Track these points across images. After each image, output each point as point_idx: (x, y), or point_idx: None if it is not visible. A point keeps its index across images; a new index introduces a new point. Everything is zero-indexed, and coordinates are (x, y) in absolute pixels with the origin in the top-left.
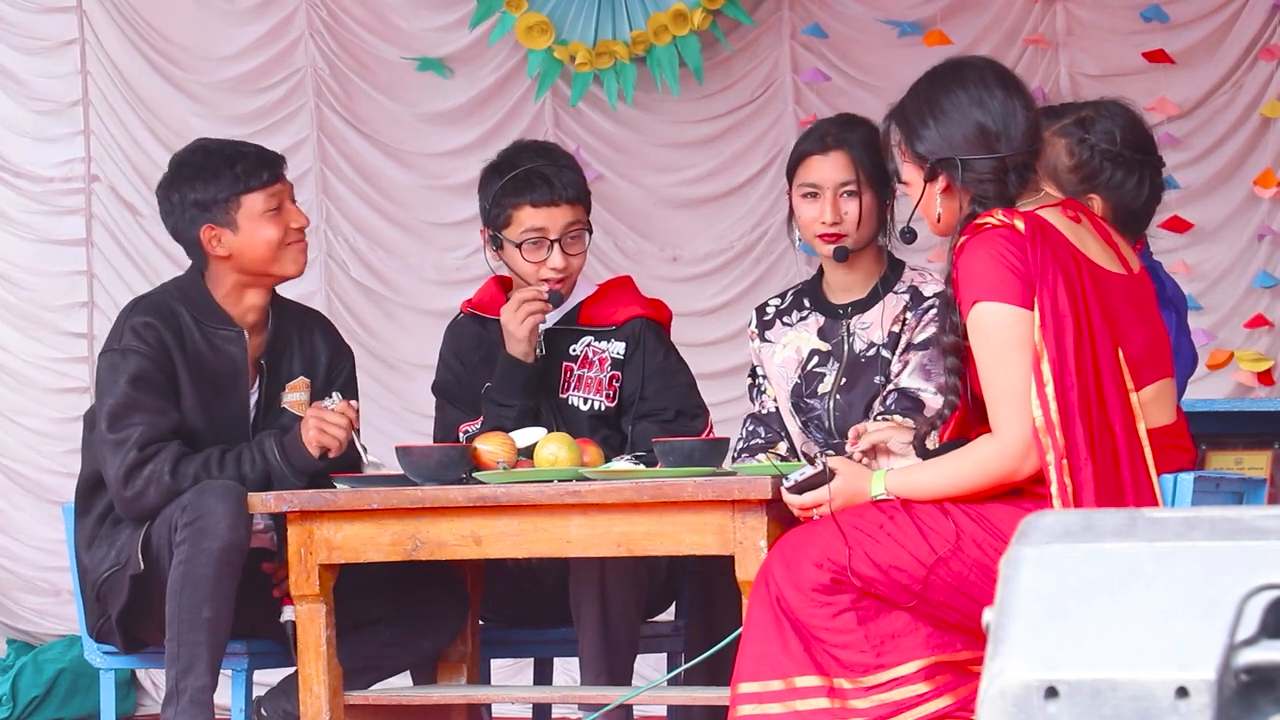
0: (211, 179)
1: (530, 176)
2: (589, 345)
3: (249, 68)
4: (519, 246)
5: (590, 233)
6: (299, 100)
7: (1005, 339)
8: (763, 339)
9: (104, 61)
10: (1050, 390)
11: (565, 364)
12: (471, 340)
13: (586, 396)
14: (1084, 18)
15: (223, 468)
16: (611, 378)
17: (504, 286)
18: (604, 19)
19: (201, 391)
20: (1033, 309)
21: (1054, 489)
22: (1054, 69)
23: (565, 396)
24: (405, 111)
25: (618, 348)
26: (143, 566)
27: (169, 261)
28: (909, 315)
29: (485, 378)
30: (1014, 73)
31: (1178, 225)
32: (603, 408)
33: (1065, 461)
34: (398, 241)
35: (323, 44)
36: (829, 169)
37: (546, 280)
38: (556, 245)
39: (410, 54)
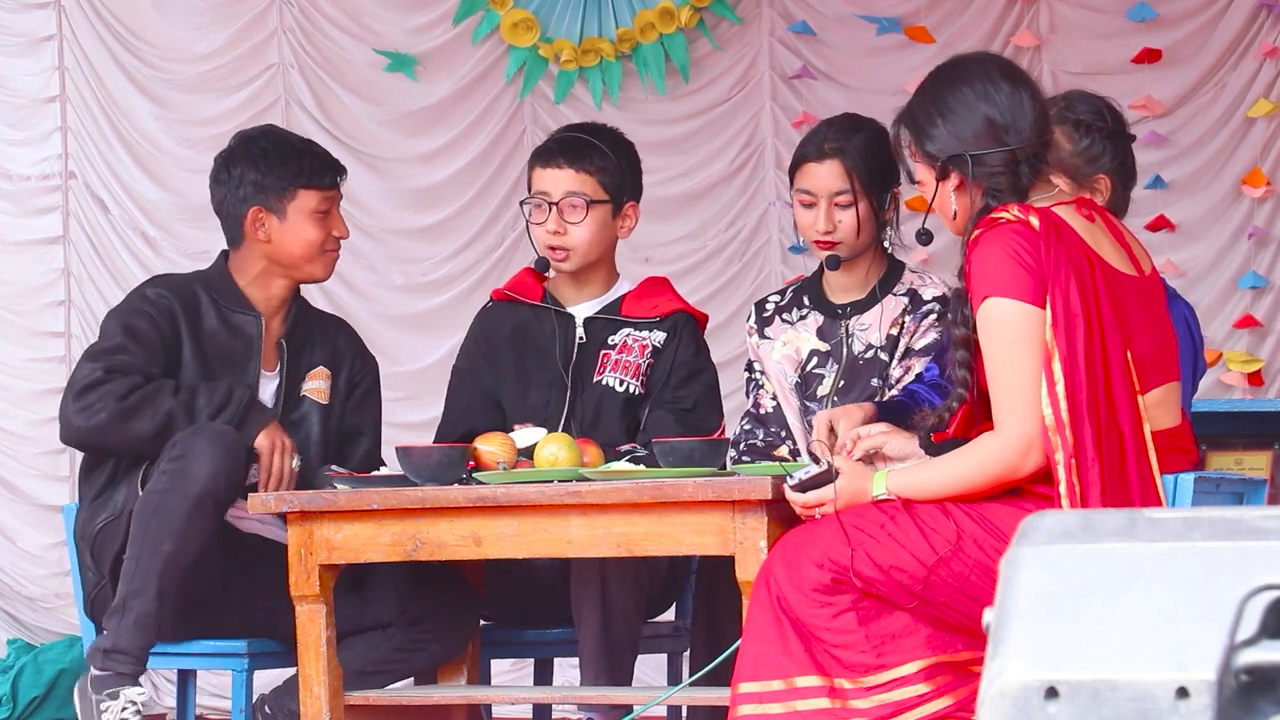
0: (277, 164)
1: (552, 140)
2: (629, 335)
3: (220, 64)
4: (526, 207)
5: (592, 205)
6: (270, 97)
7: (1013, 335)
8: (761, 335)
9: (79, 57)
10: (1061, 389)
11: (603, 352)
12: (496, 322)
13: (622, 379)
14: (1068, 16)
15: (177, 396)
16: (649, 365)
17: (538, 277)
18: (590, 16)
19: (206, 365)
20: (1044, 306)
21: (1062, 488)
22: (1037, 67)
23: (599, 379)
24: (377, 111)
25: (659, 336)
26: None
27: (136, 262)
28: (907, 319)
29: (510, 356)
30: (1018, 65)
31: (1162, 224)
32: (635, 391)
33: (1074, 461)
34: (364, 246)
35: (294, 42)
36: (823, 177)
37: (550, 248)
38: (554, 209)
39: (383, 54)
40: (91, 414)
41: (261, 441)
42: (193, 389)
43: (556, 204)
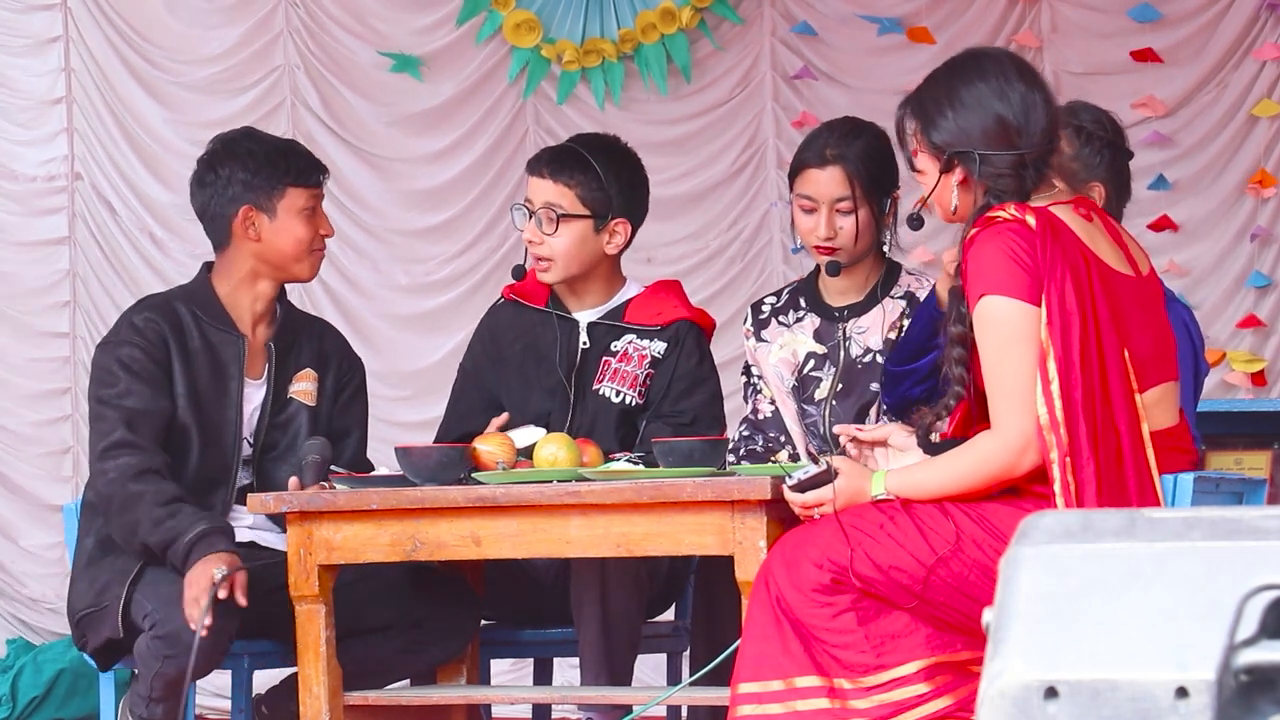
0: (265, 163)
1: (547, 148)
2: (630, 342)
3: (227, 66)
4: (515, 212)
5: (565, 219)
6: (276, 98)
7: (1009, 333)
8: (758, 338)
9: (86, 59)
10: (1055, 388)
11: (604, 358)
12: (504, 323)
13: (619, 389)
14: (1070, 16)
15: (156, 524)
16: (648, 375)
17: (541, 281)
18: (592, 17)
19: (194, 385)
20: (1040, 305)
21: (1057, 486)
22: (1039, 68)
23: (597, 387)
24: (383, 112)
25: (659, 347)
26: (121, 634)
27: (144, 263)
28: (905, 322)
29: (515, 360)
30: (1033, 66)
31: (1166, 224)
32: (632, 403)
33: (1069, 459)
34: (369, 246)
35: (300, 43)
36: (825, 184)
37: (535, 256)
38: (534, 217)
39: (388, 55)
40: (108, 483)
41: (191, 576)
42: (174, 511)
43: (536, 213)
